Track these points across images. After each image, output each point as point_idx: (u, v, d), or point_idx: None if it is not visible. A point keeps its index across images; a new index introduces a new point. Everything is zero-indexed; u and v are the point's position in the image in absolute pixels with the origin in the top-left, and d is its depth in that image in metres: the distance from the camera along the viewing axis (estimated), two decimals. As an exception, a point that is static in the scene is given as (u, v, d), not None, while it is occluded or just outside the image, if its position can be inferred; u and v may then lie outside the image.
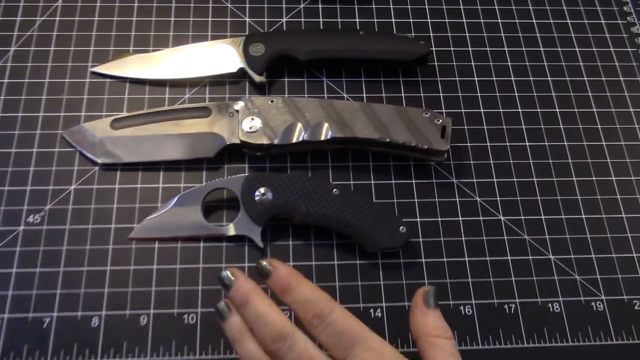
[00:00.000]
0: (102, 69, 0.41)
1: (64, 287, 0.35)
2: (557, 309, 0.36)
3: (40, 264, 0.36)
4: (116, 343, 0.34)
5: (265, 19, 0.44)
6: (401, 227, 0.36)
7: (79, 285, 0.35)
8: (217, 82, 0.42)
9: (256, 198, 0.36)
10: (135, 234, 0.37)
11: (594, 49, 0.45)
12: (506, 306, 0.36)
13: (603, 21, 0.46)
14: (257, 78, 0.40)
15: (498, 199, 0.39)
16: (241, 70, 0.41)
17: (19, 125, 0.40)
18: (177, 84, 0.41)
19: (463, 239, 0.37)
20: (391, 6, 0.45)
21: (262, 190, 0.36)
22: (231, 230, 0.37)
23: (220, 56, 0.41)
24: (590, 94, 0.43)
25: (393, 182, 0.39)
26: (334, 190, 0.36)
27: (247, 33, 0.44)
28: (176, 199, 0.37)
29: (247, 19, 0.44)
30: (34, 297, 0.35)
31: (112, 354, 0.34)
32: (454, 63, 0.43)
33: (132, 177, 0.38)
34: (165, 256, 0.36)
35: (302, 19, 0.44)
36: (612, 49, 0.45)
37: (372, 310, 0.35)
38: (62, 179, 0.38)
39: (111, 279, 0.35)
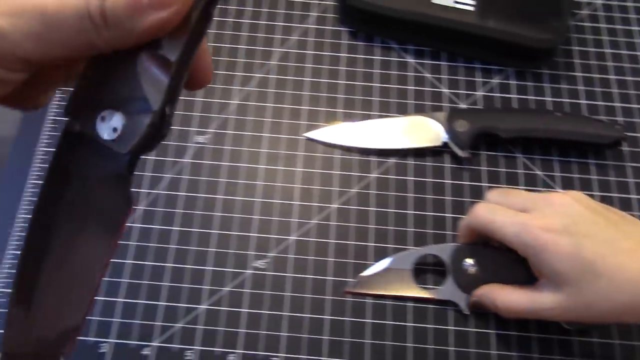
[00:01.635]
0: (315, 134, 0.46)
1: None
2: None
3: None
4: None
5: (461, 91, 0.48)
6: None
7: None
8: (420, 152, 0.45)
9: (464, 267, 0.40)
10: (351, 287, 0.41)
11: None
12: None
13: None
14: (461, 153, 0.44)
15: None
16: (444, 143, 0.45)
17: (244, 175, 0.44)
18: (383, 153, 0.45)
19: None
20: (579, 87, 0.48)
21: (469, 261, 0.40)
22: (439, 294, 0.40)
23: (424, 129, 0.45)
24: None
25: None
26: None
27: (444, 103, 0.47)
28: (391, 259, 0.41)
29: (445, 90, 0.48)
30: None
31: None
32: (642, 149, 0.46)
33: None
34: (377, 311, 0.40)
35: (495, 94, 0.48)
36: None
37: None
38: (283, 230, 0.43)
39: (330, 327, 0.40)
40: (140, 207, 0.43)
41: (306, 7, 0.51)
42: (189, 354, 0.39)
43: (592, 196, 0.43)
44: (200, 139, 0.46)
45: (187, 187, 0.44)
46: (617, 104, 0.47)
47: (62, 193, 0.23)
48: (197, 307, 0.40)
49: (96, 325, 0.40)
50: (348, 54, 0.49)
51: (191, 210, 0.43)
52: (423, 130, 0.45)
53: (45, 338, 0.24)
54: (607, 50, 0.49)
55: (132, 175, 0.23)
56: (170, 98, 0.22)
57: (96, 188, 0.23)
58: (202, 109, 0.47)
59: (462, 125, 0.44)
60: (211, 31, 0.50)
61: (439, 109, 0.47)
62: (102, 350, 0.39)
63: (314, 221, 0.43)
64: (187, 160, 0.45)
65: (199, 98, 0.47)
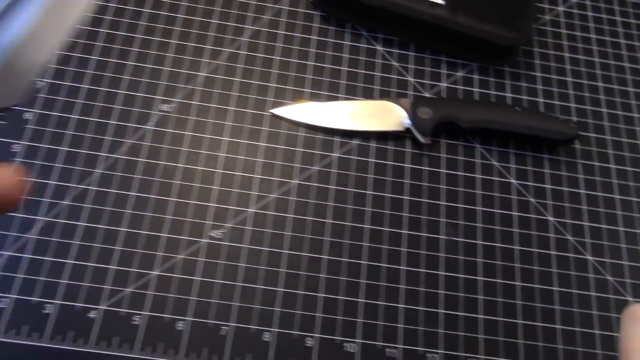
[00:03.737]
0: (280, 111, 0.46)
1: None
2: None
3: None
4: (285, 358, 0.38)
5: (426, 81, 0.49)
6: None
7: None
8: (382, 135, 0.46)
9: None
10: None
11: None
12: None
13: None
14: (423, 139, 0.45)
15: (626, 280, 0.43)
16: (407, 129, 0.45)
17: (207, 146, 0.44)
18: (347, 134, 0.46)
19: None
20: (537, 86, 0.50)
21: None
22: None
23: (388, 114, 0.46)
24: None
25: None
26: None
27: (409, 91, 0.48)
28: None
29: (411, 79, 0.49)
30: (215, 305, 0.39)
31: (281, 368, 0.38)
32: (593, 148, 0.48)
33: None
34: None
35: (459, 86, 0.49)
36: None
37: None
38: (242, 202, 0.43)
39: (282, 300, 0.40)
40: (98, 170, 0.43)
41: (280, -11, 0.52)
42: (137, 319, 0.39)
43: (544, 189, 0.45)
44: (165, 107, 0.45)
45: (148, 153, 0.44)
46: (572, 105, 0.49)
47: None
48: (149, 273, 0.40)
49: (42, 285, 0.39)
50: (318, 37, 0.50)
51: (150, 176, 0.43)
52: (387, 115, 0.46)
53: None
54: (566, 54, 0.51)
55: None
56: None
57: None
58: (169, 78, 0.46)
59: (425, 113, 0.45)
60: (183, 3, 0.49)
61: (403, 96, 0.48)
62: (46, 311, 0.38)
63: (274, 195, 0.43)
64: (149, 127, 0.45)
65: (166, 67, 0.47)
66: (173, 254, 0.41)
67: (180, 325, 0.39)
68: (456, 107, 0.46)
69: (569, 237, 0.44)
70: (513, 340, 0.40)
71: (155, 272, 0.40)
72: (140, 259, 0.40)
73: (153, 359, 0.38)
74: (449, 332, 0.40)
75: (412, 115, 0.45)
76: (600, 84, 0.51)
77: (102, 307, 0.39)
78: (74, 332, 0.38)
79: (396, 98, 0.47)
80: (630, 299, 0.42)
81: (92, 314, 0.39)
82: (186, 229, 0.41)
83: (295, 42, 0.49)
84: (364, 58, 0.49)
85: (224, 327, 0.39)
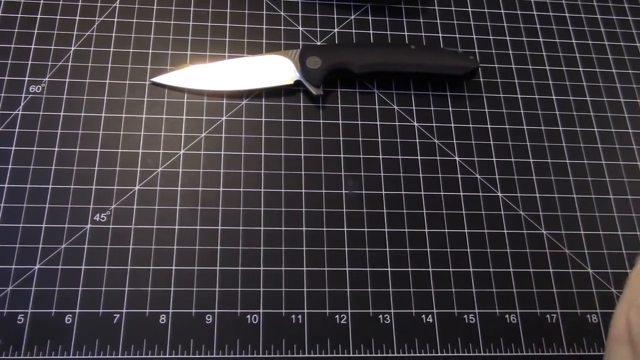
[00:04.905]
0: (161, 79, 0.42)
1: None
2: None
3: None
4: (183, 341, 0.36)
5: (318, 29, 0.46)
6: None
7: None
8: (273, 92, 0.43)
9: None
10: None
11: (630, 71, 0.47)
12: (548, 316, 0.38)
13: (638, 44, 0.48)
14: (315, 91, 0.42)
15: (540, 213, 0.41)
16: (297, 82, 0.43)
17: (81, 125, 0.41)
18: (234, 95, 0.43)
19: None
20: (438, 21, 0.47)
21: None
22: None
23: (276, 68, 0.43)
24: (626, 115, 0.45)
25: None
26: None
27: (300, 42, 0.45)
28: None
29: (301, 28, 0.46)
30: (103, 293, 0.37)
31: (180, 351, 0.36)
32: (498, 80, 0.45)
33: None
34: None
35: (353, 30, 0.46)
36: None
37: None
38: (126, 180, 0.40)
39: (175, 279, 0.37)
40: (-36, 165, 0.39)
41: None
42: (21, 318, 0.36)
43: (449, 128, 0.43)
44: (34, 88, 0.42)
45: (18, 141, 0.40)
46: (474, 36, 0.47)
47: None
48: (30, 268, 0.37)
49: None
50: (197, -7, 0.46)
51: (24, 165, 0.39)
52: (275, 70, 0.43)
53: None
54: (465, -17, 0.49)
55: None
56: None
57: None
58: (35, 56, 0.43)
59: (314, 63, 0.42)
60: (45, -27, 0.45)
61: (294, 47, 0.45)
62: None
63: (160, 169, 0.40)
64: (18, 112, 0.41)
65: (30, 45, 0.43)
66: (55, 244, 0.38)
67: (68, 319, 0.36)
68: (346, 53, 0.43)
69: (477, 175, 0.42)
70: (425, 290, 0.38)
71: (36, 267, 0.37)
72: (20, 254, 0.37)
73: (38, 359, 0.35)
74: (355, 290, 0.38)
75: (301, 67, 0.42)
76: (502, 10, 0.48)
77: (-19, 311, 0.36)
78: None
79: (282, 50, 0.44)
80: (544, 231, 0.41)
81: (-29, 320, 0.36)
82: (67, 216, 0.38)
83: (172, 2, 0.46)
84: (247, 11, 0.46)
85: (115, 315, 0.36)
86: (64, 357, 0.35)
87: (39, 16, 0.44)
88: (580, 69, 0.46)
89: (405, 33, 0.46)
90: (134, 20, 0.45)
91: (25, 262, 0.37)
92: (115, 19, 0.45)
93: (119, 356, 0.35)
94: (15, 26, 0.43)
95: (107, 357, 0.35)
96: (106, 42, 0.44)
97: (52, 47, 0.43)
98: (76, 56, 0.43)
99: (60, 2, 0.45)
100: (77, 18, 0.44)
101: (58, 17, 0.44)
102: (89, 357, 0.35)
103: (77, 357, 0.35)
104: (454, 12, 0.47)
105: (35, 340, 0.35)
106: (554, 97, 0.45)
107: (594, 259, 0.40)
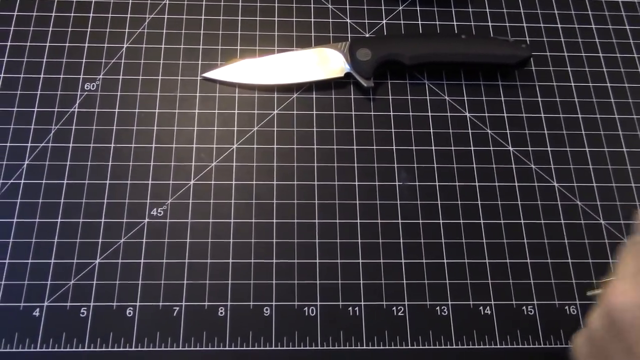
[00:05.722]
0: (212, 74, 0.43)
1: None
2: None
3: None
4: (242, 333, 0.36)
5: (366, 21, 0.46)
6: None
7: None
8: (323, 85, 0.43)
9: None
10: None
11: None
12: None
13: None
14: (365, 83, 0.42)
15: (598, 203, 0.40)
16: (347, 74, 0.42)
17: (135, 122, 0.41)
18: (285, 89, 0.43)
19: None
20: (487, 10, 0.46)
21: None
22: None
23: (326, 61, 0.43)
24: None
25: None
26: None
27: (348, 34, 0.45)
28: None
29: (349, 20, 0.46)
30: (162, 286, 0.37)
31: (239, 343, 0.36)
32: (551, 68, 0.44)
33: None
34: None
35: (402, 21, 0.46)
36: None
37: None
38: (181, 175, 0.40)
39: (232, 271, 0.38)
40: (25, 163, 0.40)
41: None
42: (84, 311, 0.37)
43: (502, 118, 0.42)
44: (89, 86, 0.42)
45: (76, 137, 0.41)
46: (525, 25, 0.46)
47: None
48: (91, 262, 0.38)
49: (-19, 289, 0.37)
50: (245, -12, 0.46)
51: (81, 161, 0.40)
52: (326, 63, 0.43)
53: None
54: (514, -29, 0.48)
55: None
56: None
57: None
58: (89, 55, 0.43)
59: (364, 55, 0.42)
60: (96, -28, 0.46)
61: (343, 40, 0.45)
62: (-11, 315, 0.36)
63: (214, 163, 0.41)
64: (75, 109, 0.42)
65: (84, 44, 0.44)
66: (114, 239, 0.38)
67: (130, 312, 0.37)
68: (396, 44, 0.43)
69: (532, 166, 0.41)
70: (483, 281, 0.38)
71: (97, 261, 0.38)
72: (81, 248, 0.38)
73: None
74: (412, 281, 0.38)
75: (351, 60, 0.42)
76: (553, -2, 0.47)
77: (46, 303, 0.37)
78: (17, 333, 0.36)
79: (334, 43, 0.44)
80: (602, 221, 0.40)
81: (36, 312, 0.36)
82: (125, 211, 0.39)
83: (221, -2, 0.46)
84: (295, 5, 0.46)
85: (175, 308, 0.37)
86: (127, 349, 0.36)
87: (91, 15, 0.45)
88: (636, 55, 0.45)
89: (455, 23, 0.46)
90: (184, 17, 0.45)
91: (87, 257, 0.38)
92: (166, 16, 0.45)
93: (180, 348, 0.36)
94: (69, 25, 0.44)
95: (169, 349, 0.36)
96: (157, 39, 0.44)
97: (105, 45, 0.44)
98: (129, 53, 0.44)
99: (112, 1, 0.45)
100: (129, 16, 0.45)
101: (110, 14, 0.45)
102: (151, 349, 0.36)
103: (139, 349, 0.36)
104: (503, 0, 0.47)
105: (98, 332, 0.36)
106: (608, 84, 0.44)
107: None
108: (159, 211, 0.39)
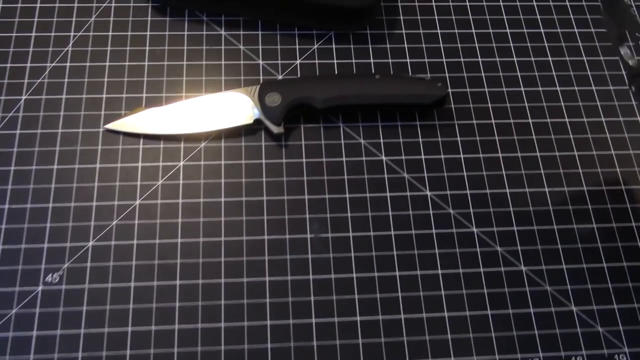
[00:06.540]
0: (115, 126, 0.41)
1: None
2: (580, 363, 0.36)
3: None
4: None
5: (279, 61, 0.44)
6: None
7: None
8: (233, 132, 0.41)
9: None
10: None
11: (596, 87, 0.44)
12: (529, 362, 0.36)
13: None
14: (275, 129, 0.40)
15: (519, 248, 0.39)
16: (257, 120, 0.40)
17: (33, 179, 0.39)
18: (193, 138, 0.41)
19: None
20: (405, 45, 0.45)
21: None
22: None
23: (235, 107, 0.41)
24: (607, 135, 0.43)
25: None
26: None
27: (261, 77, 0.43)
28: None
29: (261, 62, 0.44)
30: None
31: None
32: (471, 105, 0.43)
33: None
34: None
35: (316, 60, 0.44)
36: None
37: None
38: (79, 235, 0.38)
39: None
40: None
41: (106, -17, 0.46)
42: None
43: (419, 161, 0.41)
44: (-16, 143, 0.40)
45: (-32, 199, 0.39)
46: (444, 60, 0.44)
47: None
48: (-19, 336, 0.35)
49: None
50: (152, 31, 0.44)
51: (-27, 225, 0.38)
52: (233, 109, 0.41)
53: None
54: (433, 3, 0.46)
55: None
56: None
57: None
58: (-16, 109, 0.41)
59: (273, 100, 0.40)
60: (-6, 20, 0.44)
61: (255, 82, 0.43)
62: None
63: (115, 222, 0.38)
64: (-32, 169, 0.39)
65: (-21, 97, 0.41)
66: (4, 309, 0.36)
67: None
68: (307, 87, 0.41)
69: (450, 210, 0.39)
70: (397, 339, 0.36)
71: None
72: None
73: None
74: (322, 342, 0.36)
75: (260, 105, 0.40)
76: (473, 30, 0.46)
77: None
78: None
79: (241, 87, 0.42)
80: (523, 267, 0.38)
81: None
82: (18, 278, 0.37)
83: (126, 43, 0.44)
84: (206, 47, 0.44)
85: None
86: None
87: (-12, 65, 0.43)
88: (559, 88, 0.44)
89: (372, 60, 0.44)
90: (87, 64, 0.43)
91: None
92: (68, 64, 0.43)
93: None
94: (-36, 77, 0.42)
95: None
96: (58, 89, 0.42)
97: (2, 98, 0.41)
98: (27, 105, 0.41)
99: (11, 50, 0.43)
100: (28, 65, 0.43)
101: (9, 64, 0.43)
102: None
103: None
104: (422, 35, 0.45)
105: None
106: (530, 120, 0.43)
107: (578, 295, 0.37)
108: (54, 277, 0.37)
